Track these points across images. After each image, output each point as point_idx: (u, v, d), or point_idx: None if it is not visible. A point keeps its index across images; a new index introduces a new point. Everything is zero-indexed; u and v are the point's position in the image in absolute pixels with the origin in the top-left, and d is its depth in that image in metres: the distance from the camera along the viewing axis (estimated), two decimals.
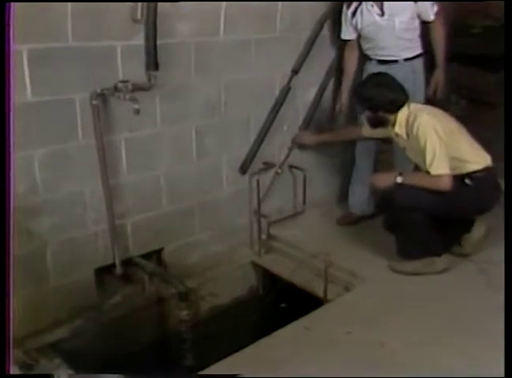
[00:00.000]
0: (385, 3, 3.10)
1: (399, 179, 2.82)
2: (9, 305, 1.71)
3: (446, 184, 2.71)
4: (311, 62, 3.24)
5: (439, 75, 3.36)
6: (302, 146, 3.46)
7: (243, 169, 3.19)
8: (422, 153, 2.72)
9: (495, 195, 2.88)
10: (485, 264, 2.98)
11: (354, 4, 3.19)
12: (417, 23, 3.21)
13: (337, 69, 3.47)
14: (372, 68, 3.29)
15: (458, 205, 2.80)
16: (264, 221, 3.31)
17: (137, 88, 2.47)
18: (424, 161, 2.72)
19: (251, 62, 3.02)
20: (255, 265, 3.35)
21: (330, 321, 2.58)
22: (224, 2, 2.74)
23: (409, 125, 2.81)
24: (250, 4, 2.87)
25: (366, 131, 3.18)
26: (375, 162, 3.49)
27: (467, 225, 3.06)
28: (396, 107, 2.84)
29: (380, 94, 2.81)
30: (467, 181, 2.81)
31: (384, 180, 2.90)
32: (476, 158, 2.84)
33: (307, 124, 3.41)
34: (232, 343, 2.48)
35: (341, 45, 3.40)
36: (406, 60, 3.25)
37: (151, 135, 2.73)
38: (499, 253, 3.00)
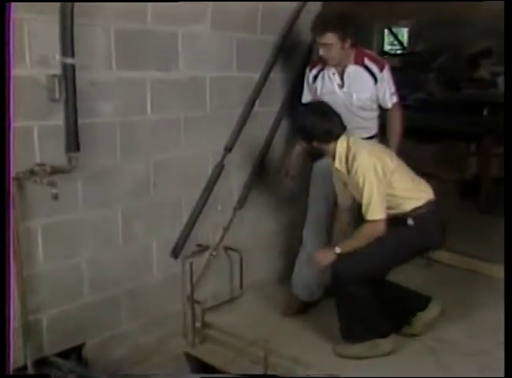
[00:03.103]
0: (346, 75, 3.02)
1: (338, 250, 2.72)
2: (9, 305, 1.75)
3: (379, 231, 2.66)
4: (245, 139, 3.19)
5: None
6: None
7: (175, 253, 3.01)
8: (361, 192, 2.66)
9: (440, 229, 2.85)
10: (434, 342, 2.91)
11: (317, 68, 3.12)
12: (375, 105, 3.12)
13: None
14: None
15: (405, 250, 2.77)
16: (198, 308, 3.10)
17: (56, 171, 2.34)
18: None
19: (181, 141, 2.94)
20: (189, 357, 3.06)
21: None
22: (149, 80, 2.70)
23: (349, 163, 2.72)
24: (178, 80, 2.83)
25: None
26: (328, 239, 3.26)
27: (423, 302, 2.98)
28: (331, 137, 2.74)
29: (312, 124, 2.74)
30: (410, 222, 2.73)
31: (324, 257, 2.78)
32: (418, 194, 2.79)
33: (242, 203, 3.31)
34: None
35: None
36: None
37: (72, 220, 2.56)
38: (447, 332, 3.00)
